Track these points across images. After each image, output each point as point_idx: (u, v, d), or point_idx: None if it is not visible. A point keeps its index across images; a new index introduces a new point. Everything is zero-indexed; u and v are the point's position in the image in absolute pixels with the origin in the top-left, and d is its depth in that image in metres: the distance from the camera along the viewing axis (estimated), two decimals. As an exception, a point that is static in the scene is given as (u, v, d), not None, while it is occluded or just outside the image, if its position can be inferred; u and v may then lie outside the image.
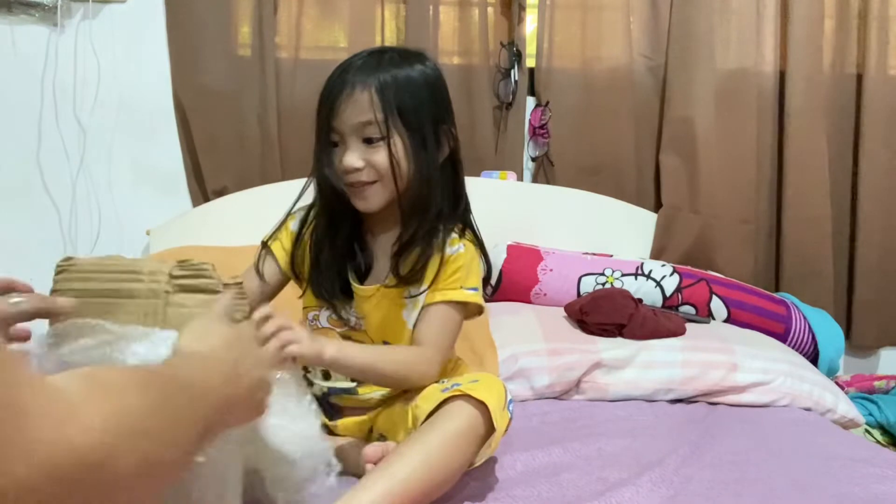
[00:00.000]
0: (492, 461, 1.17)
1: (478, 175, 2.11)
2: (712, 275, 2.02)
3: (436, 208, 1.19)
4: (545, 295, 1.92)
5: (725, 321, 1.92)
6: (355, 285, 1.23)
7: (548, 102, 2.20)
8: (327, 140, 1.17)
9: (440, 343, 1.19)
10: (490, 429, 1.05)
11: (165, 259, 0.88)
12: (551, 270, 1.93)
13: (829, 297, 2.23)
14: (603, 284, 1.91)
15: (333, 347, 1.09)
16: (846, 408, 1.66)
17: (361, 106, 1.13)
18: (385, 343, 1.23)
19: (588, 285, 1.91)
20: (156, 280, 0.82)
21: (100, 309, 0.81)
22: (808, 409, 1.60)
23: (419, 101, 1.16)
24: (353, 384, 1.23)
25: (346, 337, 1.25)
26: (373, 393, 1.23)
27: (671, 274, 1.94)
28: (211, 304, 0.82)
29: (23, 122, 2.12)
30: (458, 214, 1.23)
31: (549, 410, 1.53)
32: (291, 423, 0.89)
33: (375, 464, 1.05)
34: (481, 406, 1.04)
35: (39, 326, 0.83)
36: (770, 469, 1.24)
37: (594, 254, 2.02)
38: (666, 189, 2.23)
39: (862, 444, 1.45)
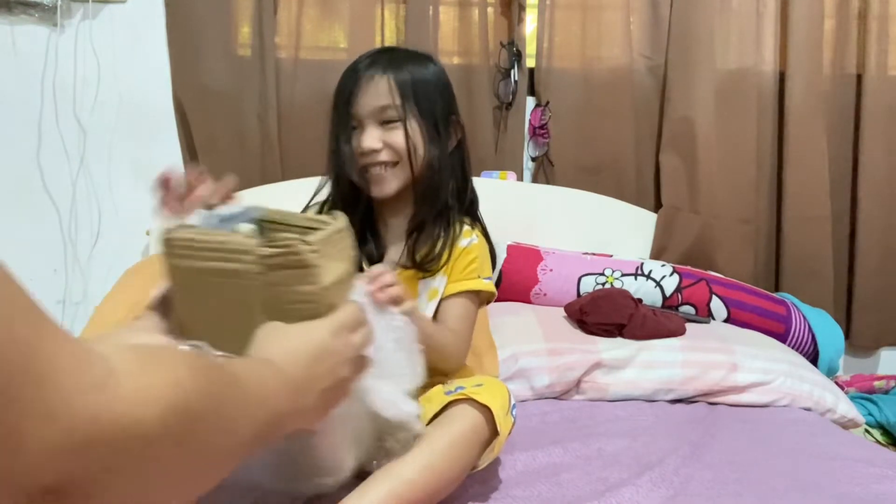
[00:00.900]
0: (493, 461, 1.17)
1: (478, 175, 2.10)
2: (712, 275, 2.02)
3: (445, 193, 1.26)
4: (545, 295, 1.92)
5: (725, 321, 1.91)
6: None
7: (548, 102, 2.19)
8: (346, 128, 1.23)
9: (464, 332, 1.25)
10: (493, 433, 1.06)
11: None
12: (551, 270, 1.93)
13: (829, 298, 2.23)
14: (603, 284, 1.91)
15: (410, 302, 1.08)
16: (846, 408, 1.66)
17: (379, 91, 1.21)
18: None
19: (588, 285, 1.91)
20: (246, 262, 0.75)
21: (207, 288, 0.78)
22: (808, 409, 1.61)
23: (431, 91, 1.25)
24: None
25: None
26: None
27: (671, 274, 1.94)
28: (307, 277, 0.74)
29: (23, 122, 2.12)
30: (466, 200, 1.29)
31: (549, 410, 1.53)
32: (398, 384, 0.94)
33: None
34: (485, 410, 1.05)
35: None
36: (770, 469, 1.24)
37: (594, 254, 2.02)
38: (666, 189, 2.23)
39: (862, 444, 1.45)
